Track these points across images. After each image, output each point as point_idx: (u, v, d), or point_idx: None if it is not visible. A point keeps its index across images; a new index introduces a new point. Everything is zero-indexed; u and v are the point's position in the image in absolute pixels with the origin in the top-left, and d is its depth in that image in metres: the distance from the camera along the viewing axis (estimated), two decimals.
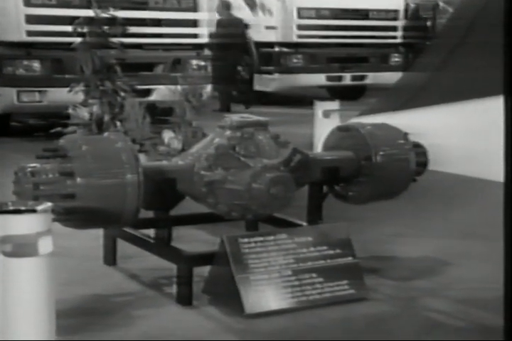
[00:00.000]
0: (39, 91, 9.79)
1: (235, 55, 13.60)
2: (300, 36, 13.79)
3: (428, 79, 8.71)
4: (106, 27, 6.97)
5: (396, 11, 14.72)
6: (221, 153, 4.36)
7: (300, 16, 13.73)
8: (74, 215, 3.89)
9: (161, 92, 9.35)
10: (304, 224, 4.72)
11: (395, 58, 14.76)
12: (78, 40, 7.04)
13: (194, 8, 10.73)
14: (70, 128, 6.42)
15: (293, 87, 14.07)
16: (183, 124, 5.64)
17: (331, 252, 4.36)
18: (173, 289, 4.31)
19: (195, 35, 10.83)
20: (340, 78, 14.09)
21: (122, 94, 6.82)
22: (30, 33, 9.70)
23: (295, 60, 13.85)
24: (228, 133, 4.44)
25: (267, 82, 13.94)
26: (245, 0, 13.78)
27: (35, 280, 2.93)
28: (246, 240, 4.16)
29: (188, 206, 4.68)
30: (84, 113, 6.51)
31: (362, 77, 14.28)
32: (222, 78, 12.44)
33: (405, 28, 14.91)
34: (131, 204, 3.95)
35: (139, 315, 4.06)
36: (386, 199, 4.96)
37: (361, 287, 4.33)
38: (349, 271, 4.35)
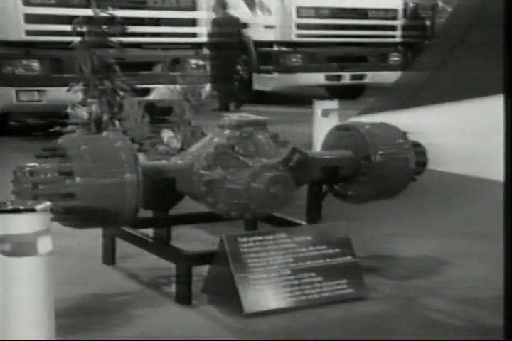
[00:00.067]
0: (38, 91, 9.78)
1: (232, 54, 13.58)
2: (299, 35, 13.79)
3: (427, 78, 8.70)
4: (105, 26, 6.98)
5: (395, 10, 14.73)
6: (220, 152, 4.36)
7: (299, 15, 13.73)
8: (73, 214, 3.88)
9: (160, 91, 9.34)
10: (303, 223, 4.72)
11: (394, 57, 14.76)
12: (77, 39, 7.04)
13: (193, 8, 10.72)
14: (69, 128, 6.43)
15: (292, 86, 14.07)
16: (182, 123, 5.63)
17: (330, 251, 4.35)
18: (172, 288, 4.30)
19: (194, 35, 10.83)
20: (339, 77, 14.08)
21: (121, 93, 6.82)
22: (29, 33, 9.68)
23: (294, 59, 13.85)
24: (227, 132, 4.44)
25: (266, 82, 13.94)
26: None
27: (34, 280, 2.93)
28: (245, 239, 4.16)
29: (187, 205, 4.67)
30: (83, 112, 6.51)
31: (361, 77, 14.28)
32: (221, 77, 12.43)
33: (404, 28, 14.91)
34: (130, 204, 3.94)
35: (138, 315, 4.05)
36: (385, 198, 4.95)
37: (360, 286, 4.33)
38: (348, 270, 4.34)
